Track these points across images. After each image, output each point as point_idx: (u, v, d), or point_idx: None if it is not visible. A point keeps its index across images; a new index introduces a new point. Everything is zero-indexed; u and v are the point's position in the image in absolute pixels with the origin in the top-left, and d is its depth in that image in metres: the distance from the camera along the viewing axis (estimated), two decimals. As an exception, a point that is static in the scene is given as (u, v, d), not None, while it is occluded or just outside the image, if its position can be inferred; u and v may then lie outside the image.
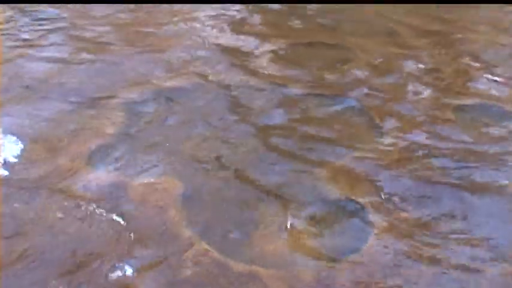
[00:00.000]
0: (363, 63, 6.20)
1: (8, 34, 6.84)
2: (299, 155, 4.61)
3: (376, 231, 3.83)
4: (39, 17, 7.44)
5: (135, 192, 4.06)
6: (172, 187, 4.13)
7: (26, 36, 6.80)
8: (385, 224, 3.88)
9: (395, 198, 4.13)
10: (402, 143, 4.77)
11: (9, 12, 7.58)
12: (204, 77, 5.82)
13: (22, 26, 7.12)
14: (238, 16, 7.64)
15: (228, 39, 6.81)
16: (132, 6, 7.94)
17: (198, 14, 7.61)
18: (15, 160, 4.38)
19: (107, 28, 7.15)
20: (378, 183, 4.28)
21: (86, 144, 4.60)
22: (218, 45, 6.63)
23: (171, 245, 3.62)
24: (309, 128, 4.96)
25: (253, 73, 5.93)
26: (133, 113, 5.12)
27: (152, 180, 4.22)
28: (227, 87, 5.62)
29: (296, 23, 7.37)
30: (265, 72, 5.97)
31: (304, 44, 6.74)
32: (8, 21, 7.24)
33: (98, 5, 7.96)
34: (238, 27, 7.24)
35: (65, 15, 7.57)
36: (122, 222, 3.78)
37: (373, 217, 3.94)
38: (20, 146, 4.55)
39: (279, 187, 4.20)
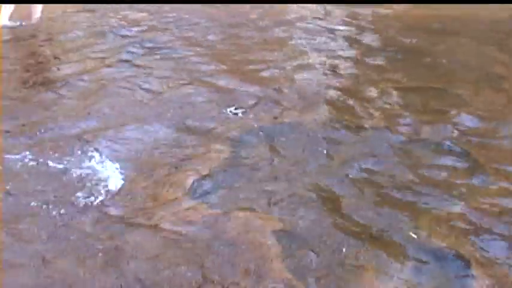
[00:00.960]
0: (471, 110, 6.02)
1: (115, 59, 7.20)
2: (402, 200, 4.47)
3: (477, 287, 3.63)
4: (147, 45, 7.76)
5: (234, 226, 4.05)
6: (271, 222, 4.10)
7: (133, 61, 7.13)
8: (487, 281, 3.67)
9: (501, 254, 3.91)
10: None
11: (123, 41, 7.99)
12: (303, 114, 5.83)
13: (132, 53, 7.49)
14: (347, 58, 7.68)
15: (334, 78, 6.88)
16: (233, 34, 8.17)
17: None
18: (116, 188, 4.43)
19: (209, 52, 7.42)
20: (483, 236, 4.07)
21: (187, 174, 4.64)
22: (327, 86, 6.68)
23: (265, 282, 3.57)
24: (413, 174, 4.82)
25: (354, 115, 5.91)
26: (239, 145, 5.15)
27: (251, 214, 4.22)
28: (331, 127, 5.60)
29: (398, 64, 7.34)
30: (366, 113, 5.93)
31: (410, 88, 6.68)
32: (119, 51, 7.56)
33: (201, 32, 8.29)
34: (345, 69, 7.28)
35: (174, 44, 7.87)
36: (219, 255, 3.77)
37: (476, 272, 3.73)
38: (122, 173, 4.61)
39: (380, 232, 4.09)
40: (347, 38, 8.61)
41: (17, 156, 4.71)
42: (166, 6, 9.72)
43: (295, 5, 10.18)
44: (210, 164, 4.82)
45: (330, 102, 6.20)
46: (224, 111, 5.83)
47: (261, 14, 9.71)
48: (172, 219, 4.09)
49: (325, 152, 5.12)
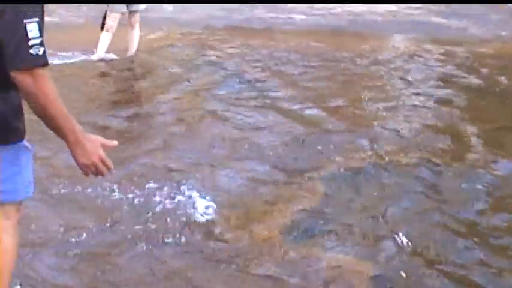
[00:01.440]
0: None
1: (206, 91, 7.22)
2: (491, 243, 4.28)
3: None
4: (243, 80, 7.79)
5: (327, 269, 3.97)
6: (363, 268, 4.00)
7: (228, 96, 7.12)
8: None
9: None
10: None
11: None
12: (397, 154, 5.69)
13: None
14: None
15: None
16: (330, 70, 8.06)
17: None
18: (209, 226, 4.34)
19: (305, 90, 7.38)
20: None
21: (281, 215, 4.52)
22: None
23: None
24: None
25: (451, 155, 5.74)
26: (334, 188, 5.01)
27: (343, 258, 4.11)
28: (427, 167, 5.43)
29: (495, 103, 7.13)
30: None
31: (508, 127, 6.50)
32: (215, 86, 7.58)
33: (296, 67, 8.25)
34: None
35: (269, 79, 7.85)
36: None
37: None
38: (214, 209, 4.53)
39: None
40: (443, 76, 8.48)
41: (107, 188, 4.71)
42: (262, 40, 9.85)
43: (391, 42, 10.20)
44: (303, 203, 4.70)
45: (425, 142, 6.05)
46: (319, 147, 5.74)
47: (359, 51, 9.73)
48: (266, 258, 4.03)
49: (422, 192, 4.97)
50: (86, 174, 2.67)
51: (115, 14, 8.25)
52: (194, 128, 6.15)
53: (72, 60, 8.29)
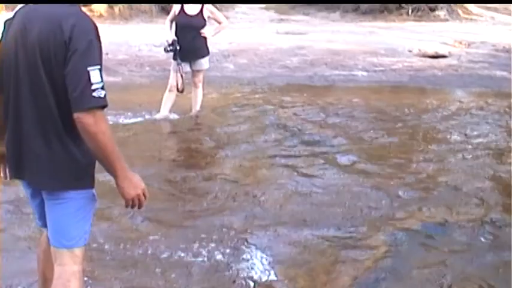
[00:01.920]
0: None
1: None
2: None
3: None
4: (306, 141, 7.74)
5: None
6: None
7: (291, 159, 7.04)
8: None
9: None
10: None
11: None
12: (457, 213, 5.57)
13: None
14: None
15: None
16: (394, 126, 8.02)
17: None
18: (273, 283, 4.29)
19: (372, 150, 7.34)
20: None
21: (346, 274, 4.44)
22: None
23: None
24: None
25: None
26: (398, 246, 4.90)
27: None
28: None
29: None
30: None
31: None
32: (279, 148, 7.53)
33: (362, 126, 8.20)
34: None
35: (333, 139, 7.82)
36: None
37: None
38: (278, 269, 4.47)
39: None
40: (507, 131, 8.38)
41: (171, 247, 4.72)
42: (324, 98, 9.92)
43: (453, 96, 10.17)
44: (367, 262, 4.62)
45: (487, 198, 5.91)
46: (382, 203, 5.68)
47: (421, 106, 9.72)
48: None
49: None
50: (131, 205, 2.96)
51: (175, 73, 8.42)
52: (257, 188, 6.09)
53: (136, 120, 8.43)
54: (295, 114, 9.12)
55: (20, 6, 3.02)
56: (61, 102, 2.82)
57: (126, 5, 20.33)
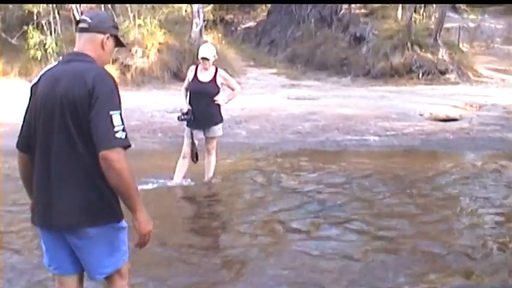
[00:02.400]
0: None
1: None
2: None
3: None
4: (320, 207, 7.69)
5: None
6: None
7: (306, 226, 6.96)
8: None
9: None
10: None
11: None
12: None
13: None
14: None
15: None
16: (409, 191, 8.00)
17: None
18: None
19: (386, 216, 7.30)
20: None
21: None
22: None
23: None
24: None
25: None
26: None
27: None
28: None
29: None
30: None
31: None
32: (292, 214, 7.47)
33: (376, 191, 8.17)
34: None
35: (347, 204, 7.77)
36: None
37: None
38: None
39: None
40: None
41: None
42: (337, 163, 9.98)
43: (465, 160, 10.21)
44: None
45: (497, 263, 5.87)
46: (399, 270, 5.63)
47: (433, 170, 9.81)
48: None
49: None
50: (143, 242, 3.43)
51: (188, 140, 8.48)
52: (271, 256, 6.05)
53: (150, 186, 8.43)
54: (307, 180, 9.14)
55: (45, 69, 3.52)
56: (88, 146, 3.26)
57: (138, 71, 20.66)
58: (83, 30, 3.51)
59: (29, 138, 3.44)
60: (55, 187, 3.32)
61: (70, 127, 3.26)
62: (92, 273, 3.53)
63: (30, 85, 3.56)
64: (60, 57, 3.92)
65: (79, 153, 3.28)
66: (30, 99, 3.49)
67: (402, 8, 25.48)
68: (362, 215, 7.40)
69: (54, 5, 21.33)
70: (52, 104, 3.31)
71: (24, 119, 3.50)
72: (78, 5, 21.38)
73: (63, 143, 3.29)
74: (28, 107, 3.49)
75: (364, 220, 7.18)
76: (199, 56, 8.42)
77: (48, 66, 3.57)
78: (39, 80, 3.47)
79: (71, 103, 3.25)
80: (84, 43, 3.50)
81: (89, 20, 3.51)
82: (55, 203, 3.33)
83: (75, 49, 3.51)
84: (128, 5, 22.83)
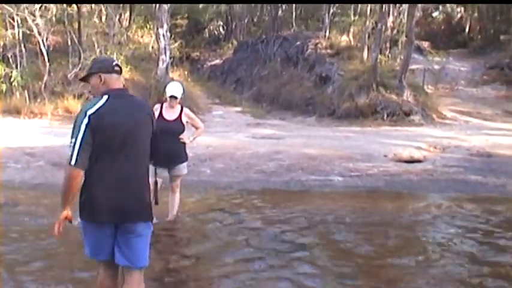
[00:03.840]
0: None
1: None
2: None
3: None
4: (286, 245, 7.57)
5: None
6: None
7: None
8: None
9: None
10: None
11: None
12: None
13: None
14: None
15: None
16: (369, 235, 7.97)
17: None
18: None
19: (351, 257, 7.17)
20: None
21: None
22: None
23: None
24: None
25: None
26: None
27: None
28: None
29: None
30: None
31: None
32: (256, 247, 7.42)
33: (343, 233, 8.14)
34: None
35: (314, 248, 7.68)
36: None
37: None
38: None
39: None
40: (482, 235, 8.43)
41: None
42: (301, 203, 9.95)
43: (428, 201, 10.29)
44: None
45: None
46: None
47: (396, 212, 9.85)
48: None
49: None
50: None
51: (152, 179, 8.37)
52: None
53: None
54: (271, 220, 9.10)
55: (101, 103, 4.45)
56: (147, 156, 4.73)
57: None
58: (120, 73, 4.74)
59: (97, 155, 4.35)
60: (134, 189, 4.52)
61: (140, 139, 4.63)
62: (139, 262, 4.56)
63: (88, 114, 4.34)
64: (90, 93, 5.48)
65: (144, 160, 4.70)
66: (88, 126, 4.31)
67: (368, 49, 25.84)
68: (325, 255, 7.44)
69: (21, 37, 21.24)
70: (131, 126, 4.53)
71: (81, 144, 4.29)
72: (44, 38, 21.31)
73: (137, 153, 4.57)
74: (85, 132, 4.30)
75: (327, 259, 7.26)
76: (168, 94, 8.41)
77: (97, 102, 4.46)
78: (97, 110, 4.38)
79: (142, 124, 4.69)
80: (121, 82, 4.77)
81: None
82: (127, 202, 4.45)
83: (120, 86, 4.70)
84: (94, 40, 22.85)
